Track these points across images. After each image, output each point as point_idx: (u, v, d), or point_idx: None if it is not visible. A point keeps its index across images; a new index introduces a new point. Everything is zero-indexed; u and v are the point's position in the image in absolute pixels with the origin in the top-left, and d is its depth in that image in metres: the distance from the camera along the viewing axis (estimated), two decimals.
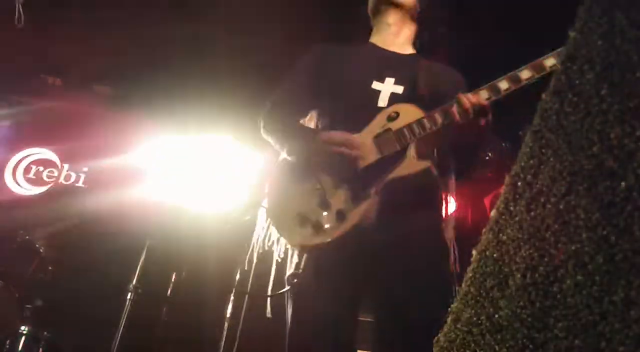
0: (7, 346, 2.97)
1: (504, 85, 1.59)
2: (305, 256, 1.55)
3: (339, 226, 1.56)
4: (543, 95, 1.60)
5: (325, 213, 1.59)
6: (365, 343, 1.81)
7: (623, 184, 0.55)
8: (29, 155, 4.98)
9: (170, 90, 4.51)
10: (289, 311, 1.70)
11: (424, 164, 1.64)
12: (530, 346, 0.64)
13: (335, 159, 1.61)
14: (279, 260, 1.76)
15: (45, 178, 4.93)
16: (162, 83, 4.50)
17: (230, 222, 3.34)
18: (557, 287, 0.60)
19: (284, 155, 1.78)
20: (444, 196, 1.79)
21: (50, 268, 3.34)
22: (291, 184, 1.70)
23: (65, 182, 4.92)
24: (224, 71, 4.17)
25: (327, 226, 1.57)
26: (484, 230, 0.73)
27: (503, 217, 0.69)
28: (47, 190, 4.87)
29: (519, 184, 0.67)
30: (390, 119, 1.68)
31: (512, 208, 0.69)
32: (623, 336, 0.58)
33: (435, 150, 1.75)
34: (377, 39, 1.97)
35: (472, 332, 0.72)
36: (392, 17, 1.94)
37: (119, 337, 2.77)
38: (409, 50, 1.96)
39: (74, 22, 3.98)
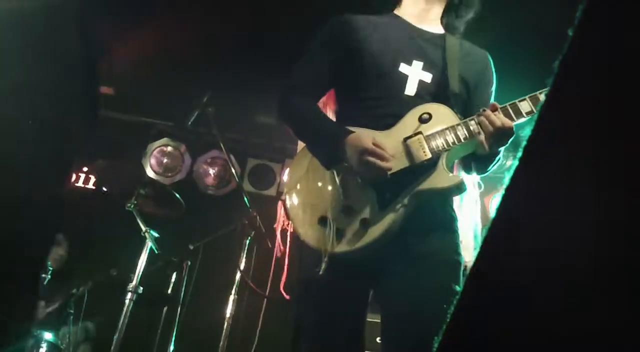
0: None
1: (543, 97, 1.52)
2: (324, 260, 1.48)
3: (362, 236, 1.51)
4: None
5: (349, 221, 1.53)
6: (371, 344, 1.80)
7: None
8: None
9: (171, 90, 4.51)
10: (300, 313, 1.66)
11: (458, 178, 1.53)
12: (529, 348, 0.64)
13: (365, 166, 1.50)
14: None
15: None
16: (163, 83, 4.50)
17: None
18: (557, 290, 0.60)
19: (305, 145, 1.70)
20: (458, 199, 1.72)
21: (50, 268, 3.34)
22: (315, 184, 1.62)
23: None
24: (226, 70, 4.16)
25: (350, 234, 1.52)
26: (483, 230, 0.73)
27: (503, 217, 0.69)
28: None
29: (519, 183, 0.67)
30: (422, 120, 1.57)
31: (511, 208, 0.69)
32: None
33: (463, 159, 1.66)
34: (405, 13, 1.80)
35: (472, 332, 0.72)
36: None
37: (119, 337, 2.77)
38: (438, 28, 1.80)
39: None
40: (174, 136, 5.00)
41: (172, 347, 3.11)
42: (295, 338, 1.60)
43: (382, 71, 1.66)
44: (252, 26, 3.84)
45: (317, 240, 1.54)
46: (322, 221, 1.55)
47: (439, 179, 1.51)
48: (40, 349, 3.10)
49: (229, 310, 3.06)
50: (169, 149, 5.00)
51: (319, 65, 1.76)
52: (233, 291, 3.09)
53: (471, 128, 1.52)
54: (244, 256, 3.19)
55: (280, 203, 1.81)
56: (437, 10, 1.79)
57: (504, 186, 0.60)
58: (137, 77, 4.53)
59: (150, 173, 4.72)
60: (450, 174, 1.53)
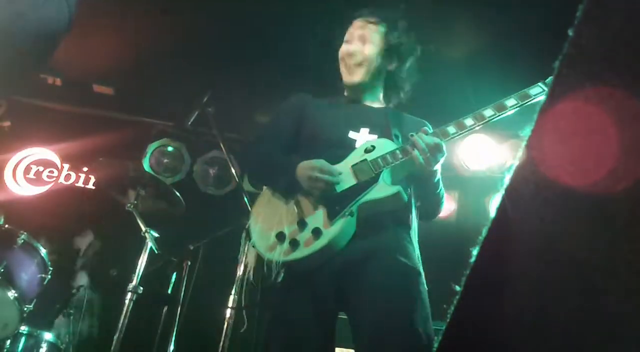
0: (7, 346, 2.97)
1: (469, 122, 1.80)
2: (283, 269, 1.69)
3: (314, 242, 1.69)
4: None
5: (303, 232, 1.73)
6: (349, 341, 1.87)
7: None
8: (29, 156, 4.97)
9: (171, 90, 4.51)
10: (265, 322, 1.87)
11: (395, 188, 1.77)
12: (529, 347, 0.64)
13: (314, 182, 1.76)
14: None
15: (45, 178, 4.92)
16: (163, 83, 4.50)
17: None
18: (556, 291, 0.60)
19: (267, 187, 1.95)
20: (412, 217, 1.92)
21: (50, 268, 3.34)
22: (274, 211, 1.85)
23: (65, 182, 4.92)
24: (226, 70, 4.16)
25: (303, 243, 1.71)
26: (483, 230, 0.73)
27: (503, 217, 0.69)
28: (47, 190, 4.87)
29: (519, 183, 0.67)
30: (367, 151, 1.87)
31: (511, 208, 0.69)
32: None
33: (406, 178, 1.91)
34: (350, 94, 2.16)
35: (472, 332, 0.72)
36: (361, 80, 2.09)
37: (119, 337, 2.77)
38: (380, 103, 2.15)
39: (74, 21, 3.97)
40: (174, 136, 5.00)
41: (172, 347, 3.11)
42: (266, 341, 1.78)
43: (333, 138, 1.95)
44: (252, 26, 3.84)
45: (274, 252, 1.71)
46: (279, 235, 1.74)
47: (379, 190, 1.77)
48: (40, 349, 3.10)
49: (228, 310, 3.05)
50: (169, 149, 5.00)
51: (280, 128, 2.06)
52: (233, 291, 3.09)
53: (406, 147, 1.81)
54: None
55: (244, 233, 2.02)
56: (379, 88, 2.14)
57: (504, 187, 0.60)
58: (137, 77, 4.53)
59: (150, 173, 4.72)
60: (389, 186, 1.78)
